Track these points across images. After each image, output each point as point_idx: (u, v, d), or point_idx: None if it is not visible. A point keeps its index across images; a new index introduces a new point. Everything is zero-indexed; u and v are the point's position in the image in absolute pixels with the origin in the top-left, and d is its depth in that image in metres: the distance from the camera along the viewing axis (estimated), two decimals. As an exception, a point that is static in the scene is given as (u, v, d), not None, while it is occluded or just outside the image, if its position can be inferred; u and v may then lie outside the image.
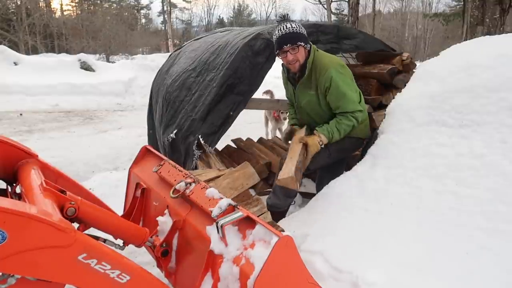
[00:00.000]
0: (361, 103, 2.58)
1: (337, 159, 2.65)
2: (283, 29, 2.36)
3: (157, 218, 1.71)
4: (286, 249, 1.21)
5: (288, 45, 2.36)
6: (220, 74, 2.97)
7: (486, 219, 1.73)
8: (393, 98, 2.80)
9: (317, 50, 2.51)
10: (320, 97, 2.48)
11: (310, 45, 2.47)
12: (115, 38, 23.73)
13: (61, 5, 32.88)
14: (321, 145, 2.43)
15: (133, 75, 12.03)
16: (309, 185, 3.42)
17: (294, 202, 2.94)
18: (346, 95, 2.41)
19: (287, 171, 2.21)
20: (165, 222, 1.69)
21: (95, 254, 1.18)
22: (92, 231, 1.48)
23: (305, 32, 2.41)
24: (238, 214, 1.35)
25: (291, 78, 2.62)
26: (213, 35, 4.04)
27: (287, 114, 3.05)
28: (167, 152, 3.03)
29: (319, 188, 2.69)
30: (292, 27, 2.36)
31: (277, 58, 2.71)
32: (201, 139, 2.76)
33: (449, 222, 1.80)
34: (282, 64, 2.62)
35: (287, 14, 2.49)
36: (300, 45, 2.37)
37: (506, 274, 1.53)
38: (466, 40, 4.59)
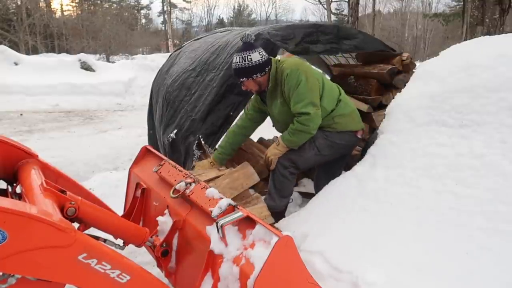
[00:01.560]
0: (340, 99, 2.57)
1: (332, 156, 2.60)
2: (234, 62, 2.41)
3: (157, 218, 1.72)
4: (286, 249, 1.22)
5: (243, 78, 2.43)
6: (220, 74, 2.97)
7: (486, 219, 1.73)
8: (393, 98, 2.80)
9: (279, 60, 2.51)
10: (288, 103, 2.45)
11: (269, 64, 2.44)
12: (115, 38, 23.76)
13: (61, 5, 32.92)
14: (278, 149, 2.48)
15: (133, 75, 12.04)
16: (309, 185, 3.42)
17: (292, 200, 2.94)
18: (295, 94, 2.37)
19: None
20: (165, 222, 1.69)
21: (95, 254, 1.18)
22: (92, 231, 1.48)
23: (260, 59, 2.38)
24: (238, 214, 1.35)
25: (260, 95, 2.65)
26: (213, 35, 4.04)
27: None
28: (167, 152, 3.03)
29: (316, 189, 2.69)
30: (241, 62, 2.37)
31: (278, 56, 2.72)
32: (201, 139, 2.76)
33: (449, 222, 1.80)
34: None
35: (248, 35, 2.42)
36: (253, 77, 2.41)
37: (506, 274, 1.53)
38: (466, 40, 4.59)
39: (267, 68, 2.44)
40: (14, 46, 19.04)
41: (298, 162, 2.49)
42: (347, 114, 2.57)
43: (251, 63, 2.38)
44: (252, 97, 2.80)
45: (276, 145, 2.50)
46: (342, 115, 2.54)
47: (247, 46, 2.41)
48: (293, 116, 2.42)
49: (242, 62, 2.39)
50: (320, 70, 3.68)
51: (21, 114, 8.43)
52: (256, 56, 2.39)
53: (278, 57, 2.67)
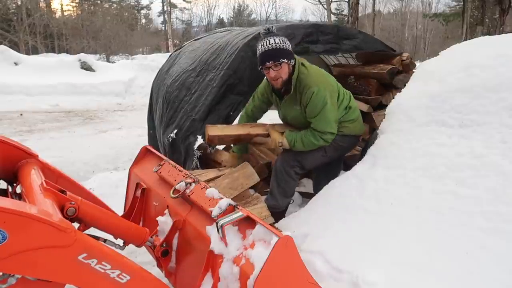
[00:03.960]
0: (350, 106, 2.58)
1: (334, 158, 2.64)
2: (266, 44, 2.27)
3: (157, 218, 1.72)
4: (286, 249, 1.22)
5: (271, 61, 2.27)
6: (220, 74, 2.97)
7: (486, 219, 1.73)
8: (393, 98, 2.80)
9: (302, 64, 2.42)
10: (304, 113, 2.44)
11: (295, 59, 2.38)
12: (115, 38, 23.76)
13: (62, 5, 32.94)
14: (280, 145, 2.48)
15: (133, 75, 12.04)
16: (309, 185, 3.42)
17: (293, 201, 2.94)
18: (320, 115, 2.35)
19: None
20: (165, 222, 1.69)
21: (95, 254, 1.18)
22: (92, 231, 1.48)
23: (289, 47, 2.33)
24: (238, 214, 1.35)
25: (276, 90, 2.54)
26: (213, 35, 4.04)
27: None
28: (167, 152, 3.03)
29: (316, 189, 2.70)
30: (275, 43, 2.26)
31: None
32: (201, 139, 2.76)
33: (449, 222, 1.80)
34: None
35: (272, 27, 2.37)
36: (283, 62, 2.28)
37: (506, 274, 1.53)
38: (466, 40, 4.59)
39: (293, 60, 2.36)
40: (14, 46, 19.05)
41: (304, 162, 2.50)
42: (354, 119, 2.61)
43: (284, 44, 2.28)
44: (260, 86, 2.71)
45: (282, 138, 2.47)
46: (351, 121, 2.59)
47: (272, 33, 2.33)
48: (307, 125, 2.44)
49: (282, 43, 2.28)
50: None
51: (21, 114, 8.43)
52: (289, 43, 2.34)
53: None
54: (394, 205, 2.01)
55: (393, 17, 37.82)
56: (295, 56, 2.41)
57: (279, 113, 2.69)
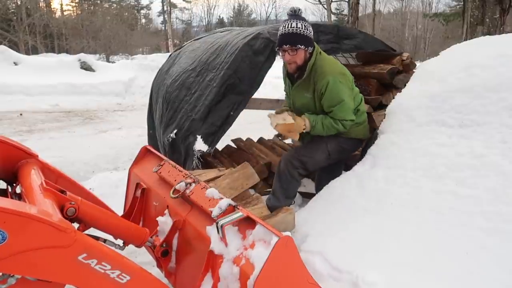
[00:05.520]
0: (359, 109, 2.58)
1: (337, 160, 2.64)
2: (287, 27, 2.27)
3: (157, 218, 1.72)
4: (286, 249, 1.22)
5: (288, 45, 2.28)
6: (220, 74, 2.97)
7: (486, 219, 1.73)
8: (393, 98, 2.80)
9: (321, 53, 2.43)
10: (316, 101, 2.45)
11: (314, 47, 2.38)
12: (115, 38, 23.74)
13: (61, 5, 32.96)
14: (304, 129, 2.40)
15: (133, 75, 12.03)
16: (309, 185, 3.41)
17: (294, 202, 2.94)
18: (340, 103, 2.36)
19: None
20: (165, 222, 1.69)
21: (95, 254, 1.18)
22: (92, 231, 1.48)
23: (310, 34, 2.32)
24: (238, 214, 1.35)
25: (290, 75, 2.57)
26: (213, 35, 4.04)
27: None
28: (167, 152, 3.02)
29: (318, 188, 2.70)
30: (297, 27, 2.25)
31: (277, 57, 2.69)
32: (201, 139, 2.76)
33: (449, 222, 1.80)
34: None
35: (299, 9, 2.35)
36: (300, 48, 2.29)
37: (506, 274, 1.53)
38: (466, 40, 4.59)
39: (311, 47, 2.35)
40: (14, 46, 19.05)
41: (308, 164, 2.50)
42: (360, 123, 2.61)
43: (305, 30, 2.27)
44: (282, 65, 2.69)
45: (303, 120, 2.41)
46: (357, 124, 2.57)
47: (297, 16, 2.31)
48: (314, 113, 2.44)
49: (303, 29, 2.26)
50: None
51: (21, 114, 8.43)
52: (312, 30, 2.33)
53: None
54: (394, 205, 2.01)
55: (393, 17, 37.82)
56: (315, 44, 2.41)
57: (287, 97, 2.70)
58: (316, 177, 2.98)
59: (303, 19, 2.33)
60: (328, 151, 2.50)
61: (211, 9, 43.93)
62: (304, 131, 2.42)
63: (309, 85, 2.42)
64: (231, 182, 2.36)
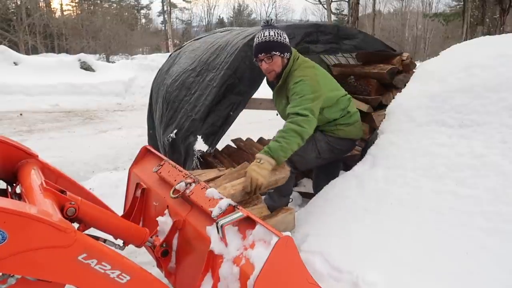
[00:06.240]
0: (349, 110, 2.55)
1: (330, 159, 2.62)
2: (261, 36, 2.31)
3: (157, 218, 1.72)
4: (286, 249, 1.22)
5: (263, 53, 2.30)
6: (220, 74, 2.97)
7: (486, 219, 1.73)
8: (393, 98, 2.80)
9: (298, 58, 2.41)
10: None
11: (291, 53, 2.38)
12: (115, 38, 23.77)
13: (61, 5, 32.97)
14: (265, 168, 2.01)
15: (133, 75, 12.03)
16: (309, 185, 3.42)
17: (292, 199, 2.94)
18: (293, 96, 2.26)
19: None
20: (165, 222, 1.69)
21: (95, 254, 1.18)
22: (92, 231, 1.48)
23: (284, 41, 2.33)
24: (238, 214, 1.35)
25: (270, 83, 2.61)
26: (213, 35, 4.04)
27: None
28: (167, 152, 3.02)
29: (316, 189, 2.69)
30: (269, 35, 2.28)
31: None
32: (201, 139, 2.76)
33: (449, 222, 1.80)
34: None
35: (271, 20, 2.39)
36: (275, 54, 2.29)
37: (506, 274, 1.53)
38: (466, 40, 4.59)
39: (288, 54, 2.36)
40: (14, 46, 19.05)
41: (297, 163, 2.48)
42: (350, 123, 2.59)
43: (278, 37, 2.29)
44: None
45: (259, 163, 2.01)
46: (346, 124, 2.57)
47: (271, 25, 2.34)
48: None
49: (276, 36, 2.29)
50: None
51: (21, 114, 8.43)
52: (286, 37, 2.35)
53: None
54: (394, 205, 2.01)
55: (393, 17, 37.84)
56: (293, 50, 2.42)
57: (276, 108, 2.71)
58: (313, 177, 2.98)
59: (276, 27, 2.36)
60: (318, 150, 2.49)
61: (211, 9, 44.00)
62: (266, 169, 2.02)
63: (284, 91, 2.44)
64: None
